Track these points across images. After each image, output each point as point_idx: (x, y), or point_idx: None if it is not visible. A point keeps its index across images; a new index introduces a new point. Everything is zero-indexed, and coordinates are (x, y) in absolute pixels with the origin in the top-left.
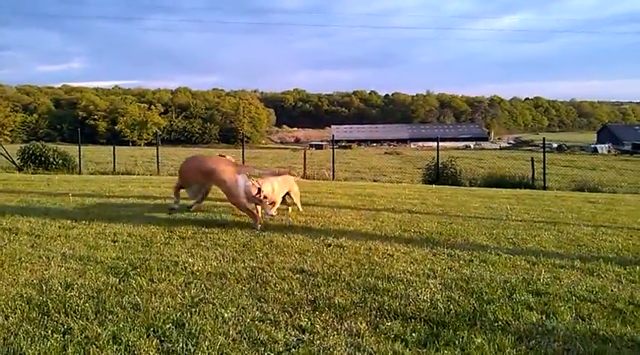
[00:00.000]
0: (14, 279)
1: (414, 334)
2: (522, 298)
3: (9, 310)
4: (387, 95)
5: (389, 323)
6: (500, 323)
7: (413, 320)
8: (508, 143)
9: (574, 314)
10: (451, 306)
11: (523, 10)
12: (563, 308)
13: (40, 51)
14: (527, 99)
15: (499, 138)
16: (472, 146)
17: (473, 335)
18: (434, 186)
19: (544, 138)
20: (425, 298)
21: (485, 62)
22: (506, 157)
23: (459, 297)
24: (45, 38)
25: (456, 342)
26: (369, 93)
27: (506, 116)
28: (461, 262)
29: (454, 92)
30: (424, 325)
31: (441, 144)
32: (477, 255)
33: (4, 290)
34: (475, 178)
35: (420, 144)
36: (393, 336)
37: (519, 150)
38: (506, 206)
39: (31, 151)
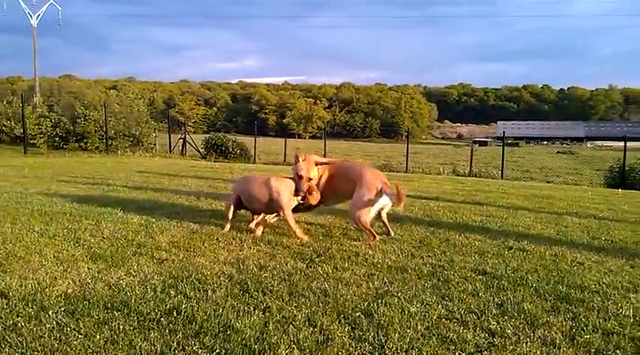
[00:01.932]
0: (215, 257)
1: (618, 351)
2: None
3: (215, 285)
4: (561, 89)
5: (587, 336)
6: None
7: (615, 336)
8: None
9: None
10: None
11: None
12: None
13: (220, 50)
14: None
15: None
16: None
17: None
18: (619, 190)
19: None
20: (627, 313)
21: None
22: None
23: None
24: (223, 38)
25: None
26: (541, 88)
27: None
28: None
29: None
30: (629, 342)
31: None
32: None
33: (208, 265)
34: None
35: (599, 143)
36: (593, 351)
37: None
38: None
39: (213, 141)
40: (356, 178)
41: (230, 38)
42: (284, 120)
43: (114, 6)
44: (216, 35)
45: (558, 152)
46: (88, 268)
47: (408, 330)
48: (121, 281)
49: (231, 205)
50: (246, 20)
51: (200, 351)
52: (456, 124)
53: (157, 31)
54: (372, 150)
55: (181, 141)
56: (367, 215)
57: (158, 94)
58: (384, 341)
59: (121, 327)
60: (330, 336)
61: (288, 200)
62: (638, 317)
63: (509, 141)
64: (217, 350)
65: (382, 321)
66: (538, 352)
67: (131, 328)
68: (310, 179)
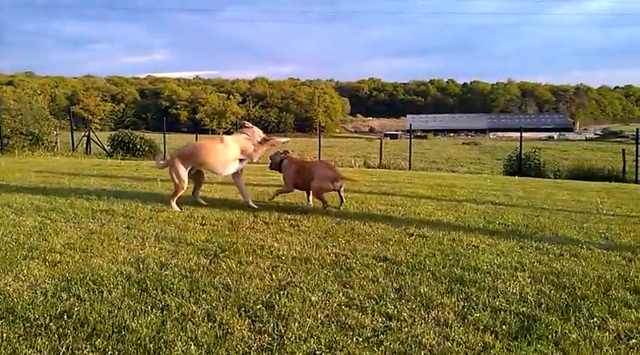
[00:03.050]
0: (114, 257)
1: (504, 326)
2: (619, 295)
3: (111, 285)
4: (465, 84)
5: (477, 315)
6: (596, 319)
7: (502, 313)
8: (595, 134)
9: None
10: (542, 300)
11: None
12: None
13: (126, 43)
14: (617, 87)
15: (585, 129)
16: (555, 137)
17: (567, 331)
18: (516, 177)
19: (637, 129)
20: (514, 291)
21: (571, 49)
22: (592, 149)
23: (550, 291)
24: (130, 31)
25: (549, 337)
26: (447, 82)
27: (593, 106)
28: (550, 256)
29: (537, 80)
30: (514, 318)
31: (522, 134)
32: (568, 249)
33: (105, 266)
34: (560, 170)
35: (500, 134)
36: (482, 327)
37: (607, 142)
38: (596, 199)
39: (120, 138)
40: None
41: (137, 32)
42: (196, 116)
43: None
44: (122, 28)
45: (463, 143)
46: None
47: (308, 319)
48: (8, 287)
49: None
50: (154, 13)
51: (91, 354)
52: (368, 118)
53: (59, 23)
54: (287, 144)
55: (85, 139)
56: None
57: (60, 90)
58: (283, 331)
59: (4, 335)
60: (229, 330)
61: None
62: (524, 294)
63: (418, 134)
64: (110, 352)
65: (283, 312)
66: (431, 332)
67: (15, 335)
68: None
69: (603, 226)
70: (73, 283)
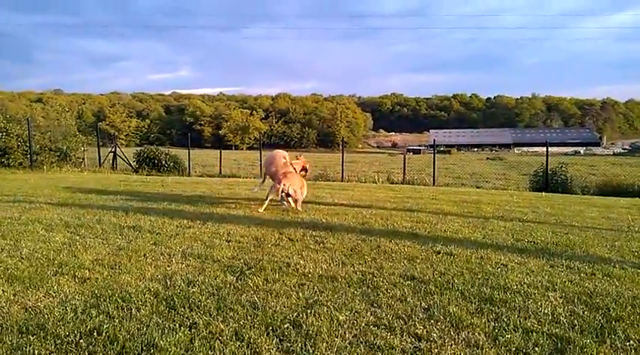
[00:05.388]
0: (141, 274)
1: (536, 348)
2: None
3: (140, 303)
4: (489, 98)
5: (508, 336)
6: (632, 342)
7: (534, 334)
8: (623, 149)
9: None
10: (575, 321)
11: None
12: None
13: (152, 60)
14: None
15: (612, 144)
16: (582, 151)
17: (602, 354)
18: (543, 193)
19: None
20: (546, 311)
21: (597, 62)
22: (621, 164)
23: (584, 312)
24: (156, 49)
25: None
26: (470, 97)
27: (620, 120)
28: (582, 275)
29: (562, 95)
30: (547, 339)
31: (548, 149)
32: (599, 268)
33: (133, 283)
34: (587, 186)
35: (525, 149)
36: (514, 349)
37: (636, 157)
38: (627, 216)
39: (145, 154)
40: None
41: (162, 49)
42: (220, 132)
43: (38, 16)
44: (147, 46)
45: (488, 158)
46: (3, 291)
47: (336, 339)
48: (39, 303)
49: None
50: (178, 31)
51: None
52: (390, 133)
53: (86, 42)
54: (310, 159)
55: (111, 154)
56: None
57: (87, 107)
58: (311, 351)
59: (36, 352)
60: (257, 350)
61: None
62: (556, 315)
63: (442, 149)
64: None
65: (310, 331)
66: (462, 354)
67: (47, 352)
68: None
69: (636, 244)
70: (102, 300)
